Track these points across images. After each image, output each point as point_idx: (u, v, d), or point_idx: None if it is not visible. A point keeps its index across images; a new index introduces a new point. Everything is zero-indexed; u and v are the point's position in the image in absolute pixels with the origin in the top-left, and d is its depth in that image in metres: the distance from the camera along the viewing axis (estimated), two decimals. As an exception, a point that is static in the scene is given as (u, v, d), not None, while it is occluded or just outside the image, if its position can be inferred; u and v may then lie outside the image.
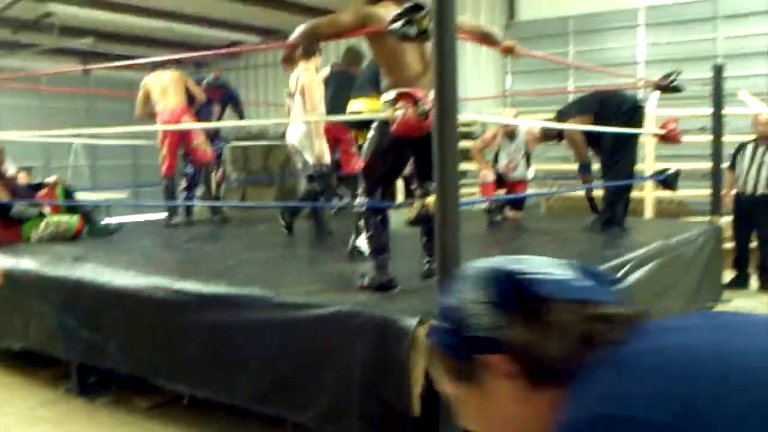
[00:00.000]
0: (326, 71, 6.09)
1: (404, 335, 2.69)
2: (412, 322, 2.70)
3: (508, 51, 3.94)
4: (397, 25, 2.92)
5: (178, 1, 11.18)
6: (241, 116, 7.58)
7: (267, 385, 3.14)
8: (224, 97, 7.38)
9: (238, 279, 3.63)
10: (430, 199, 3.06)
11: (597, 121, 5.42)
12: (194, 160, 6.75)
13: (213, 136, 7.12)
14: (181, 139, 6.59)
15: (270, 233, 5.98)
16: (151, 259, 4.65)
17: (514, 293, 0.86)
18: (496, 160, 6.47)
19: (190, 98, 6.69)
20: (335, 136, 5.93)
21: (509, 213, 6.45)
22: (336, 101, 5.66)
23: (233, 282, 3.49)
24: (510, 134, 6.31)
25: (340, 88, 5.76)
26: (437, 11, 2.63)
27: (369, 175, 3.52)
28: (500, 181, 6.42)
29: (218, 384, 3.32)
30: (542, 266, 0.91)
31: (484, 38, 3.83)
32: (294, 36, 3.47)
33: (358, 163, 5.24)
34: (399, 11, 2.94)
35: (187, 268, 4.29)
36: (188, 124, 6.41)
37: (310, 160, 5.57)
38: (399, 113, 3.11)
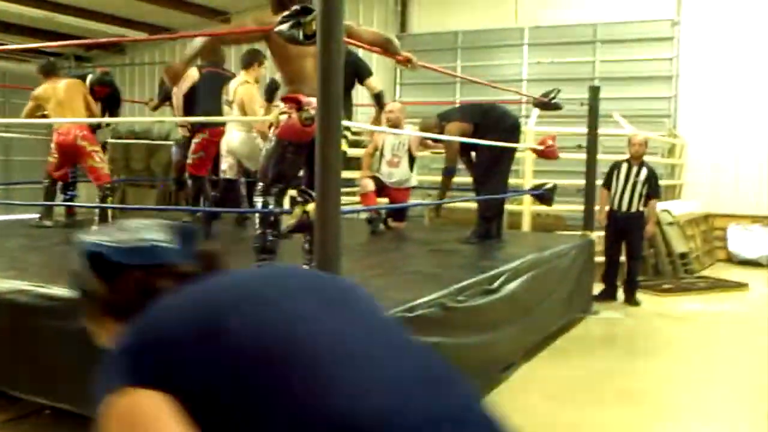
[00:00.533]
0: (194, 74, 5.94)
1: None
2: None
3: (406, 62, 3.98)
4: (284, 27, 2.88)
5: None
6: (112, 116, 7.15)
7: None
8: (108, 96, 7.00)
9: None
10: (311, 207, 3.03)
11: (476, 133, 5.54)
12: (93, 179, 6.26)
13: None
14: (79, 156, 6.18)
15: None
16: (15, 262, 4.36)
17: (96, 261, 1.20)
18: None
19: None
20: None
21: (392, 223, 6.48)
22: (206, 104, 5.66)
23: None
24: (395, 124, 6.20)
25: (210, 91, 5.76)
26: (323, 15, 2.62)
27: (263, 178, 3.65)
28: (382, 189, 6.41)
29: (83, 395, 3.14)
30: (131, 233, 1.22)
31: (384, 46, 3.85)
32: (191, 49, 3.41)
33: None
34: (287, 14, 2.90)
35: (54, 271, 4.05)
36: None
37: (251, 167, 5.60)
38: (283, 117, 3.07)
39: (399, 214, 6.52)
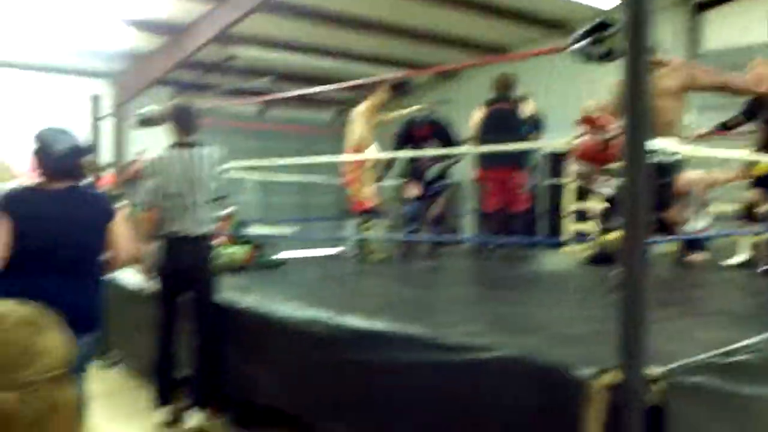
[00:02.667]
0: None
1: (578, 388, 2.40)
2: (588, 372, 2.41)
3: None
4: (581, 45, 2.68)
5: (353, 41, 11.49)
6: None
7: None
8: (435, 133, 6.99)
9: (397, 316, 3.49)
10: (614, 235, 2.76)
11: None
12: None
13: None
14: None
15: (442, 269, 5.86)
16: (314, 292, 4.63)
17: None
18: None
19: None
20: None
21: (692, 255, 5.79)
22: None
23: (392, 319, 3.36)
24: None
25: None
26: (631, 28, 2.36)
27: None
28: None
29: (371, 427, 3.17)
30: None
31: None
32: None
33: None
34: (582, 31, 2.69)
35: (346, 302, 4.22)
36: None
37: None
38: (580, 140, 2.87)
39: (697, 244, 5.82)
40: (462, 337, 2.95)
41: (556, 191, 10.25)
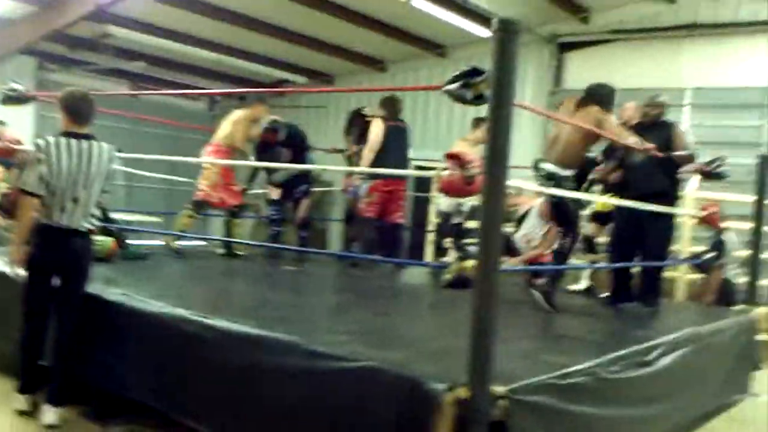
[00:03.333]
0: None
1: (432, 400, 2.63)
2: (440, 387, 2.64)
3: None
4: (453, 87, 2.94)
5: (232, 36, 11.42)
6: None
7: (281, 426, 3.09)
8: (288, 143, 7.23)
9: (264, 319, 3.61)
10: (469, 263, 3.03)
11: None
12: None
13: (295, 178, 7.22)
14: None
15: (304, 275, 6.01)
16: (183, 289, 4.65)
17: None
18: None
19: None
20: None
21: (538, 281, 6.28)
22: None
23: (259, 322, 3.48)
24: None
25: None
26: (497, 78, 2.64)
27: None
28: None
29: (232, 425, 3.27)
30: None
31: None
32: None
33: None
34: (456, 74, 2.96)
35: (215, 301, 4.29)
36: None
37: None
38: (445, 173, 3.12)
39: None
40: (326, 345, 3.11)
41: (422, 207, 10.66)
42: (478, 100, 2.92)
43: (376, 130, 6.76)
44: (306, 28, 11.22)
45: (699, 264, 5.97)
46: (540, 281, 4.88)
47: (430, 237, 8.61)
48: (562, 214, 4.91)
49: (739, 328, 5.34)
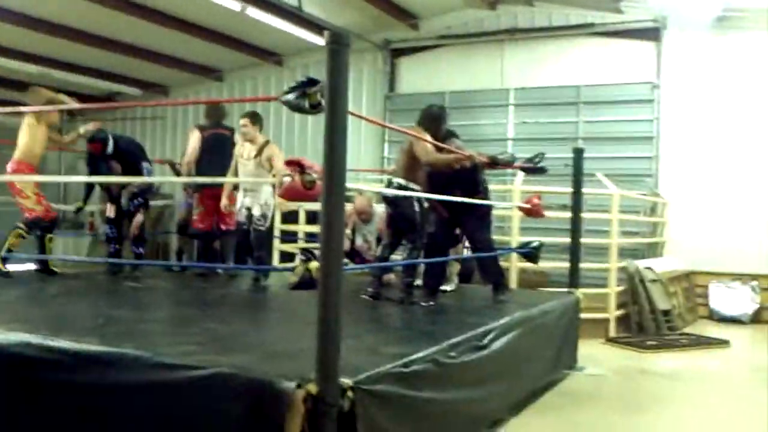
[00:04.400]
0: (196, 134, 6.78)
1: (282, 399, 2.73)
2: (290, 385, 2.74)
3: None
4: (290, 97, 3.06)
5: (58, 48, 10.91)
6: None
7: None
8: (117, 154, 6.94)
9: (110, 337, 3.55)
10: (314, 265, 3.16)
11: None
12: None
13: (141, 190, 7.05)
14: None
15: (145, 291, 5.88)
16: (19, 313, 4.44)
17: None
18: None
19: None
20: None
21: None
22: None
23: (105, 340, 3.42)
24: (365, 219, 6.70)
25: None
26: (331, 87, 2.79)
27: None
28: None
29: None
30: None
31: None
32: None
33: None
34: (293, 85, 3.08)
35: (56, 323, 4.13)
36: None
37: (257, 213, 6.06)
38: (287, 180, 3.23)
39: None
40: (174, 356, 3.12)
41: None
42: (315, 108, 3.05)
43: (192, 140, 6.92)
44: (138, 39, 10.95)
45: (525, 253, 6.44)
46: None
47: (276, 242, 8.70)
48: (408, 222, 5.25)
49: (564, 309, 5.84)
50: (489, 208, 5.82)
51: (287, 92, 3.09)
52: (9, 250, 6.21)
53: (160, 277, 7.00)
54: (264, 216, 6.08)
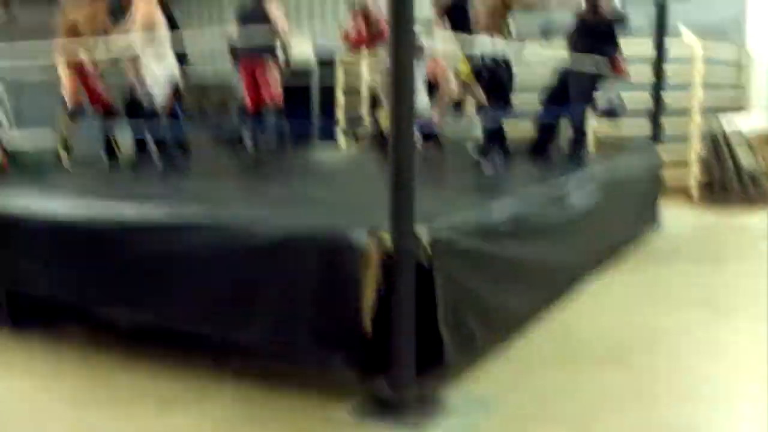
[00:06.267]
0: None
1: (354, 250, 2.63)
2: (361, 235, 2.64)
3: None
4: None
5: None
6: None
7: (207, 304, 3.04)
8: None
9: (178, 204, 3.51)
10: (382, 115, 2.98)
11: None
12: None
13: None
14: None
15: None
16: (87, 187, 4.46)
17: None
18: None
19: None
20: None
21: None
22: None
23: (174, 207, 3.38)
24: None
25: None
26: None
27: None
28: None
29: (157, 308, 3.23)
30: None
31: None
32: None
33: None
34: None
35: (123, 194, 4.12)
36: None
37: None
38: (350, 27, 3.01)
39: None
40: (245, 220, 3.05)
41: (329, 94, 10.49)
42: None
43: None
44: None
45: (606, 111, 6.07)
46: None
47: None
48: (496, 81, 4.97)
49: (645, 164, 5.57)
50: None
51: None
52: (65, 138, 5.97)
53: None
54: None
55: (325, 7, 11.66)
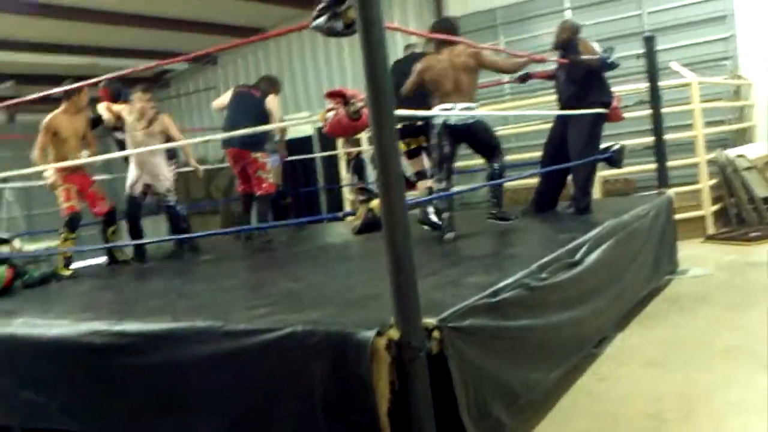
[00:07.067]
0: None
1: (363, 349, 2.49)
2: (369, 334, 2.50)
3: None
4: (321, 21, 2.74)
5: (102, 36, 10.86)
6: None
7: (225, 424, 2.89)
8: None
9: (180, 312, 3.39)
10: (375, 203, 2.88)
11: None
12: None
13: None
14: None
15: (216, 261, 5.77)
16: (89, 304, 4.36)
17: None
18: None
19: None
20: None
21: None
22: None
23: (176, 316, 3.26)
24: None
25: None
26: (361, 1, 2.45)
27: None
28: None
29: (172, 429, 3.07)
30: None
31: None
32: None
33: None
34: (320, 6, 2.75)
35: (126, 307, 4.02)
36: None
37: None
38: (330, 114, 2.94)
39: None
40: (247, 322, 2.93)
41: (333, 166, 10.51)
42: (350, 28, 2.72)
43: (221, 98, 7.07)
44: (182, 12, 10.79)
45: (607, 158, 5.97)
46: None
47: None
48: (483, 142, 4.89)
49: (657, 211, 5.42)
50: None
51: (316, 17, 2.76)
52: (67, 255, 5.84)
53: (224, 247, 6.84)
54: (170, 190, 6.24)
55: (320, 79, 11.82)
